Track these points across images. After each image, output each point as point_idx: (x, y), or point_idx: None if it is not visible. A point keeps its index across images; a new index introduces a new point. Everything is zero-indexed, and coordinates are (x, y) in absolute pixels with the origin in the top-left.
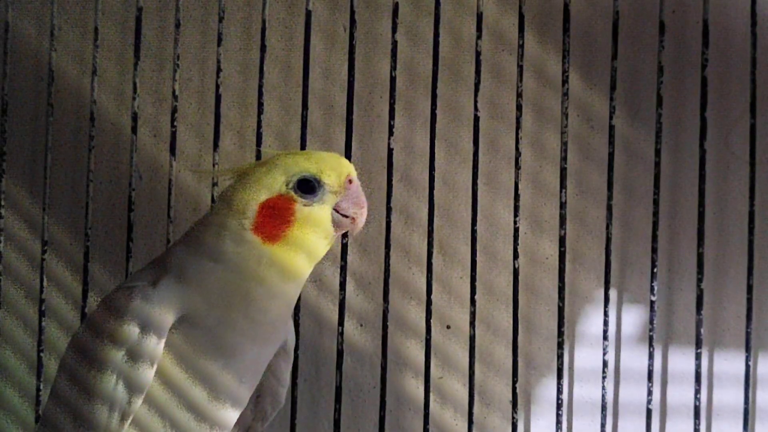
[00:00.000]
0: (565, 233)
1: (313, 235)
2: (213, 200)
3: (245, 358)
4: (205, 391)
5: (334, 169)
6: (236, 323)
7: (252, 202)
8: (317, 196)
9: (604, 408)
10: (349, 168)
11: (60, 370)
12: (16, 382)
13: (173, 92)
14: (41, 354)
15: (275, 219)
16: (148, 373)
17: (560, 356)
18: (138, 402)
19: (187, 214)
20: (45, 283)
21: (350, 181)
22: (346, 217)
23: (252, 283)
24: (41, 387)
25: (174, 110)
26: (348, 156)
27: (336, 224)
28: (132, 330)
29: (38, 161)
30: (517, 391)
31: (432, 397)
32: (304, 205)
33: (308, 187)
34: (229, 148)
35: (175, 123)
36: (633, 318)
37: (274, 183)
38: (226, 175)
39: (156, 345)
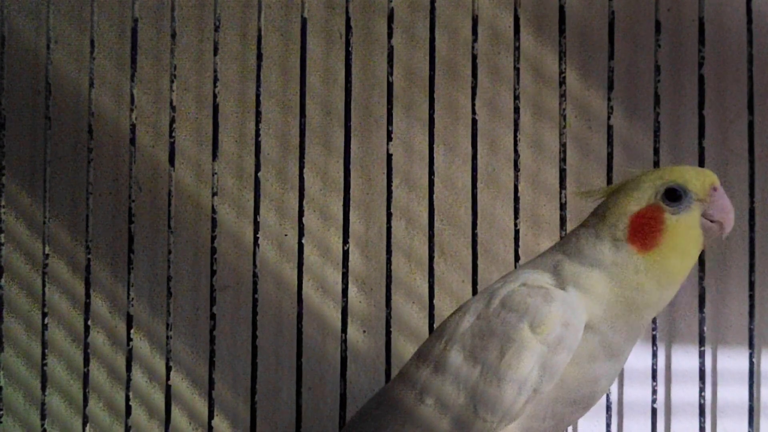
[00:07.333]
0: (565, 234)
1: (684, 242)
2: (213, 209)
3: (621, 360)
4: (588, 390)
5: (698, 178)
6: (622, 329)
7: (623, 216)
8: (683, 204)
9: (609, 408)
10: (712, 177)
11: (445, 350)
12: (21, 392)
13: (170, 102)
14: (45, 367)
15: (647, 229)
16: (565, 363)
17: None
18: (546, 388)
19: (187, 224)
20: (47, 297)
21: (714, 189)
22: (713, 222)
23: (632, 291)
24: (45, 397)
25: (172, 120)
26: (347, 159)
27: (705, 230)
28: (555, 323)
29: (37, 175)
30: None
31: None
32: (672, 214)
33: (674, 195)
34: (230, 156)
35: (173, 133)
36: None
37: (643, 195)
38: (599, 196)
39: (574, 341)
